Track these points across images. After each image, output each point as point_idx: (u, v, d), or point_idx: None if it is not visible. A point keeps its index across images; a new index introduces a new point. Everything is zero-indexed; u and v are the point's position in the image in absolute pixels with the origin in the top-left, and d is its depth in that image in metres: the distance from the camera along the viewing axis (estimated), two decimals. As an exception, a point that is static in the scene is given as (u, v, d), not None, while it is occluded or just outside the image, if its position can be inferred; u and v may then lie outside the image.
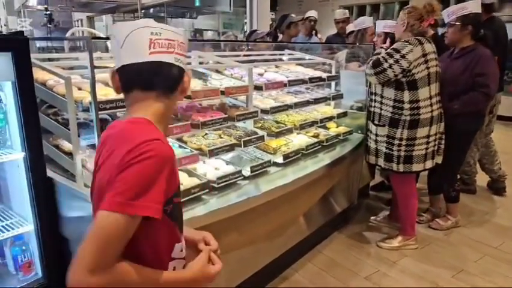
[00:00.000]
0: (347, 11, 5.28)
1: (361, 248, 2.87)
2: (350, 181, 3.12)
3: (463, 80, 2.74)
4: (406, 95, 2.52)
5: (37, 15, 8.67)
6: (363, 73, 3.41)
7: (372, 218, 3.30)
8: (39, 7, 8.10)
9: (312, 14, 5.04)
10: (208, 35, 8.21)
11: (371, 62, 2.52)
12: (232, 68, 2.44)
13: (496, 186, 3.89)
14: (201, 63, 2.40)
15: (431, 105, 2.58)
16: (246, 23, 11.77)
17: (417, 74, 2.47)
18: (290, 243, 2.46)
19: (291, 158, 2.40)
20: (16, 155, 1.47)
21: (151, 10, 10.35)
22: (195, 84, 2.05)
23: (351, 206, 3.24)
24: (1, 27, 11.26)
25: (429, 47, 2.53)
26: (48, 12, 6.08)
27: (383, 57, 2.47)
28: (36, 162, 1.46)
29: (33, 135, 1.43)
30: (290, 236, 2.47)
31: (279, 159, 2.35)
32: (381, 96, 2.65)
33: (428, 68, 2.51)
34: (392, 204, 3.24)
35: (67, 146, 1.68)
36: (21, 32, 1.36)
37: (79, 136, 1.51)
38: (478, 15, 2.76)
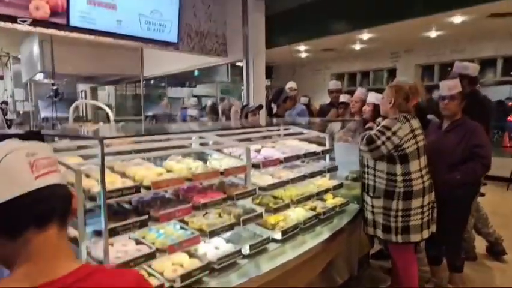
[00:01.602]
0: (339, 82, 5.61)
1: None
2: (349, 252, 3.12)
3: (460, 151, 2.88)
4: (398, 168, 2.64)
5: (43, 87, 9.10)
6: (356, 144, 3.58)
7: (373, 289, 3.25)
8: (46, 81, 8.52)
9: (292, 85, 5.38)
10: (208, 103, 8.67)
11: (364, 139, 2.66)
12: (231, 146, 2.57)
13: (496, 250, 3.87)
14: (201, 144, 2.53)
15: (422, 176, 2.69)
16: (243, 89, 12.36)
17: (407, 149, 2.61)
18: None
19: (290, 234, 2.44)
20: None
21: (152, 81, 10.88)
22: (196, 166, 2.16)
23: (351, 277, 3.20)
24: (7, 98, 11.70)
25: (416, 123, 2.70)
26: (55, 87, 6.40)
27: (375, 134, 2.62)
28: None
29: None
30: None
31: (278, 235, 2.39)
32: (374, 169, 2.77)
33: (417, 142, 2.65)
34: (393, 273, 3.21)
35: (72, 232, 1.73)
36: (38, 132, 1.48)
37: (85, 224, 1.58)
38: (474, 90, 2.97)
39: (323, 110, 5.43)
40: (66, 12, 3.63)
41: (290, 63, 12.11)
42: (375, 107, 3.54)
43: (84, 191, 1.63)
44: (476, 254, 3.85)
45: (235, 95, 12.76)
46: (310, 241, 2.53)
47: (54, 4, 3.52)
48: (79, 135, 1.82)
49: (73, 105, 6.10)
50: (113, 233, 1.58)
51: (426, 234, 2.73)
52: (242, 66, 5.38)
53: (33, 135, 1.47)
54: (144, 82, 10.11)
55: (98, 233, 1.67)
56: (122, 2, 4.05)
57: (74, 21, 3.72)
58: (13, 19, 3.33)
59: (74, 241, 1.70)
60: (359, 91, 4.21)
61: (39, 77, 8.53)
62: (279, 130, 3.37)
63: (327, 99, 9.76)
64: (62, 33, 3.74)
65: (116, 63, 7.71)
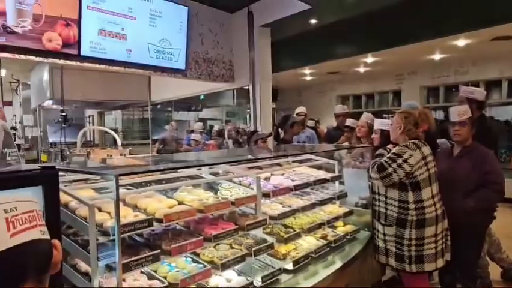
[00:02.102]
0: (345, 106, 5.64)
1: None
2: (361, 280, 3.05)
3: (474, 178, 2.83)
4: (410, 196, 2.61)
5: (52, 112, 9.23)
6: (365, 170, 3.56)
7: (388, 319, 3.16)
8: (55, 106, 8.66)
9: (301, 109, 5.42)
10: (215, 127, 8.79)
11: (375, 167, 2.65)
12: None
13: (510, 275, 3.78)
14: (211, 173, 2.53)
15: (434, 204, 2.66)
16: (248, 112, 12.46)
17: (419, 176, 2.59)
18: None
19: (301, 264, 2.40)
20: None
21: (158, 105, 11.03)
22: (207, 197, 2.15)
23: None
24: (16, 123, 11.86)
25: (427, 150, 2.68)
26: (64, 114, 6.49)
27: (386, 161, 2.61)
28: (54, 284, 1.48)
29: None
30: None
31: (289, 266, 2.35)
32: (386, 197, 2.73)
33: (428, 169, 2.63)
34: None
35: (84, 266, 1.72)
36: (53, 167, 1.49)
37: (98, 259, 1.56)
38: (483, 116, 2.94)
39: (331, 134, 5.43)
40: (77, 43, 3.72)
41: (295, 85, 12.22)
42: (383, 133, 3.53)
43: (96, 225, 1.62)
44: (491, 280, 3.74)
45: (240, 118, 12.86)
46: (322, 271, 2.49)
47: (66, 36, 3.61)
48: (94, 171, 1.83)
49: (81, 132, 6.17)
50: (126, 268, 1.56)
51: (440, 263, 2.67)
52: (248, 89, 5.45)
53: (48, 171, 1.47)
54: (151, 106, 10.27)
55: (110, 268, 1.65)
56: (132, 32, 4.15)
57: (85, 51, 3.81)
58: (27, 51, 3.42)
59: (86, 276, 1.68)
60: (365, 116, 4.22)
61: (48, 103, 8.67)
62: (287, 157, 3.37)
63: (333, 121, 9.77)
64: (73, 63, 3.83)
65: (124, 89, 7.84)
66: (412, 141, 2.70)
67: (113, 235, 1.58)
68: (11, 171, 1.44)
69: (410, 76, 9.81)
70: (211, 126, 11.83)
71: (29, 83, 9.75)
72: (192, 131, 10.21)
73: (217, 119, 13.54)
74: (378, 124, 3.72)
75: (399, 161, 2.58)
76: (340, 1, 4.36)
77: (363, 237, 3.07)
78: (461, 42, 6.65)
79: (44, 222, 0.81)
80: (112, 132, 6.59)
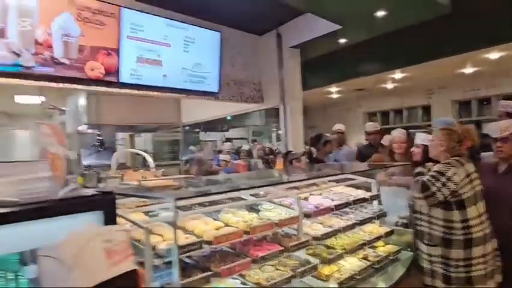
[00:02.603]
0: (377, 123, 5.57)
1: None
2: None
3: None
4: (456, 215, 2.54)
5: (86, 136, 9.60)
6: (403, 188, 3.49)
7: None
8: (90, 131, 9.01)
9: (339, 127, 5.39)
10: (244, 147, 8.96)
11: (418, 186, 2.60)
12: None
13: None
14: (252, 194, 2.55)
15: (481, 223, 2.57)
16: (274, 131, 12.50)
17: (464, 194, 2.52)
18: None
19: (347, 285, 2.36)
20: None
21: (187, 127, 11.28)
22: (251, 218, 2.17)
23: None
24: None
25: (471, 167, 2.62)
26: (100, 138, 6.76)
27: (429, 180, 2.56)
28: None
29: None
30: None
31: (333, 287, 2.32)
32: (429, 216, 2.67)
33: (473, 187, 2.56)
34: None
35: None
36: (110, 192, 1.56)
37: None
38: None
39: (362, 152, 5.38)
40: (117, 71, 3.91)
41: (320, 102, 12.23)
42: (426, 148, 3.45)
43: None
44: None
45: (266, 137, 12.93)
46: (367, 293, 2.44)
47: (107, 64, 3.80)
48: (151, 195, 1.90)
49: (116, 154, 6.38)
50: (180, 290, 1.59)
51: (491, 284, 2.56)
52: (276, 109, 5.51)
53: (107, 196, 1.54)
54: (180, 128, 10.51)
55: (164, 291, 1.69)
56: (167, 58, 4.32)
57: (124, 78, 3.99)
58: (72, 80, 3.62)
59: (139, 298, 1.72)
60: (402, 132, 4.16)
61: (83, 127, 9.02)
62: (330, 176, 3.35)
63: (361, 138, 9.66)
64: (113, 90, 4.01)
65: (156, 112, 8.09)
66: (455, 158, 2.64)
67: (167, 257, 1.62)
68: (77, 196, 1.51)
69: (440, 90, 9.64)
70: (239, 147, 11.96)
71: (64, 108, 10.20)
72: (220, 151, 10.35)
73: (243, 138, 13.66)
74: (421, 139, 3.64)
75: (443, 179, 2.53)
76: (370, 20, 4.39)
77: (405, 258, 2.99)
78: (493, 55, 6.51)
79: (133, 252, 0.81)
80: (146, 155, 6.76)
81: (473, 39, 5.60)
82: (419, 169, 2.85)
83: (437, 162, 2.81)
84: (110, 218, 1.54)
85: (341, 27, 4.52)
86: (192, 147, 9.47)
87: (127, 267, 0.78)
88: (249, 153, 8.12)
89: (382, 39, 5.55)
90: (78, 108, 8.08)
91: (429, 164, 2.89)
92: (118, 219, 1.83)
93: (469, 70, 7.87)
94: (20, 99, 9.58)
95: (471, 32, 5.42)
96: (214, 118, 7.72)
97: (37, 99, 7.94)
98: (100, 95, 6.84)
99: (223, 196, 2.39)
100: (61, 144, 1.64)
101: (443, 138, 2.72)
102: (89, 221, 1.52)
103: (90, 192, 1.60)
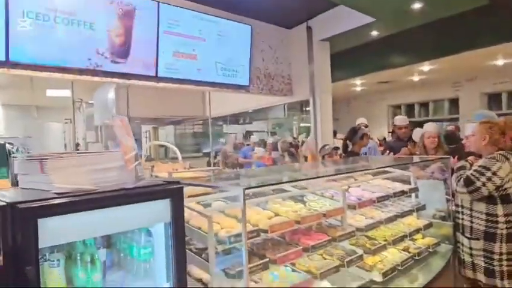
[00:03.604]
0: (406, 117, 5.52)
1: None
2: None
3: None
4: (500, 209, 2.54)
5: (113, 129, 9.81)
6: (438, 181, 3.48)
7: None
8: (117, 124, 9.21)
9: (362, 120, 5.37)
10: (269, 140, 9.06)
11: (462, 180, 2.61)
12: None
13: None
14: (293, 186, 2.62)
15: (525, 217, 2.57)
16: (295, 124, 12.48)
17: (509, 189, 2.52)
18: None
19: (390, 276, 2.40)
20: (162, 285, 1.65)
21: (210, 120, 11.40)
22: (299, 208, 2.24)
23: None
24: (77, 139, 12.68)
25: (515, 161, 2.61)
26: (130, 130, 6.92)
27: (473, 175, 2.56)
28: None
29: (181, 268, 1.62)
30: None
31: (378, 278, 2.36)
32: (471, 210, 2.68)
33: (518, 181, 2.56)
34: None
35: (197, 273, 1.85)
36: (177, 182, 1.65)
37: (215, 267, 1.69)
38: None
39: (392, 146, 5.35)
40: (155, 65, 4.01)
41: (344, 96, 12.15)
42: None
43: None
44: None
45: (286, 130, 12.94)
46: (408, 285, 2.48)
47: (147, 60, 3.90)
48: (221, 186, 1.99)
49: (144, 146, 6.53)
50: (242, 274, 1.68)
51: (534, 278, 2.56)
52: (299, 102, 5.51)
53: (175, 185, 1.63)
54: (202, 121, 10.61)
55: (226, 274, 1.77)
56: (202, 53, 4.40)
57: (161, 73, 4.10)
58: (115, 74, 3.74)
59: (199, 282, 1.82)
60: (434, 127, 4.13)
61: (111, 120, 9.22)
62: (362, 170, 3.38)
63: (383, 131, 9.52)
64: (151, 83, 4.12)
65: (182, 105, 8.19)
66: (499, 152, 2.63)
67: (229, 243, 1.70)
68: (148, 185, 1.61)
69: (468, 83, 9.45)
70: (261, 139, 12.02)
71: (91, 101, 10.45)
72: (242, 144, 10.42)
73: (263, 131, 13.72)
74: (472, 130, 3.59)
75: (488, 174, 2.53)
76: (406, 12, 4.35)
77: (444, 251, 3.01)
78: (527, 45, 6.35)
79: None
80: (174, 147, 6.91)
81: (509, 31, 5.46)
82: (461, 163, 2.85)
83: (479, 157, 2.81)
84: (178, 206, 1.64)
85: (374, 19, 4.49)
86: (222, 140, 9.58)
87: None
88: (274, 146, 8.19)
89: (414, 31, 5.47)
90: (107, 101, 8.28)
91: (471, 158, 2.88)
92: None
93: (500, 62, 7.69)
94: (51, 92, 9.85)
95: (507, 22, 5.29)
96: (241, 111, 7.79)
97: (67, 93, 8.16)
98: (130, 88, 6.98)
99: (270, 187, 2.46)
100: (130, 136, 1.74)
101: (485, 132, 2.70)
102: (159, 209, 1.62)
103: (159, 181, 1.69)
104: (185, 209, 1.91)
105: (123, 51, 3.74)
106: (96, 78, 3.67)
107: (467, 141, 3.36)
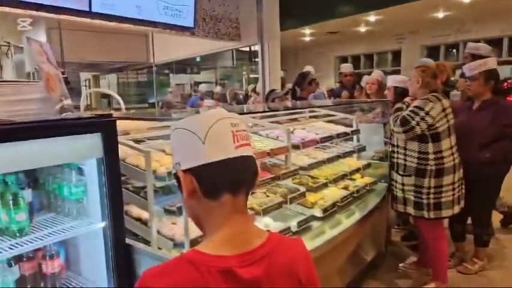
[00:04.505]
0: (351, 65, 5.60)
1: (396, 297, 2.91)
2: (379, 229, 3.22)
3: (492, 131, 2.95)
4: (430, 147, 2.71)
5: (47, 77, 9.01)
6: (378, 124, 3.64)
7: (400, 264, 3.35)
8: (51, 70, 8.45)
9: (309, 68, 5.41)
10: (216, 90, 8.78)
11: (398, 121, 2.71)
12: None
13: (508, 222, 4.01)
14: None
15: (452, 154, 2.76)
16: (244, 74, 12.29)
17: (439, 128, 2.67)
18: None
19: (329, 212, 2.52)
20: (98, 224, 1.57)
21: (155, 68, 10.85)
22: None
23: (379, 253, 3.31)
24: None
25: (446, 102, 2.75)
26: (65, 76, 6.37)
27: (408, 115, 2.67)
28: (118, 231, 1.56)
29: (117, 206, 1.55)
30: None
31: (318, 213, 2.47)
32: (405, 149, 2.83)
33: (448, 121, 2.72)
34: (420, 249, 3.32)
35: (135, 211, 1.79)
36: (110, 114, 1.52)
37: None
38: (497, 71, 3.03)
39: (336, 93, 5.47)
40: (88, -1, 3.61)
41: (292, 47, 12.06)
42: (396, 90, 3.59)
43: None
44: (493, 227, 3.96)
45: (235, 81, 12.73)
46: (346, 220, 2.63)
47: (77, -9, 3.50)
48: (159, 118, 1.87)
49: (84, 94, 6.10)
50: (179, 212, 1.64)
51: (457, 209, 2.82)
52: (247, 51, 5.38)
53: (106, 118, 1.51)
54: (146, 69, 10.05)
55: (163, 212, 1.73)
56: (141, -13, 4.02)
57: (95, 7, 3.71)
58: (39, 6, 3.31)
59: (138, 221, 1.77)
60: (376, 74, 4.25)
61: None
62: (304, 113, 3.42)
63: (331, 83, 9.71)
64: (86, 20, 3.73)
65: (123, 50, 7.65)
66: (432, 94, 2.76)
67: (168, 180, 1.65)
68: (74, 118, 1.47)
69: (410, 35, 9.76)
70: (207, 90, 11.74)
71: (21, 45, 9.42)
72: (190, 95, 10.08)
73: (211, 82, 13.39)
74: (392, 81, 3.76)
75: (422, 113, 2.65)
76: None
77: (380, 189, 3.21)
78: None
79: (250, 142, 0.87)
80: (116, 96, 6.51)
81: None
82: (398, 105, 2.97)
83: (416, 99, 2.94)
84: (110, 141, 1.53)
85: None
86: (170, 89, 9.17)
87: (248, 152, 0.84)
88: (223, 97, 8.04)
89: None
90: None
91: (407, 99, 3.00)
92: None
93: (440, 14, 7.96)
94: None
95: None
96: (186, 57, 7.44)
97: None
98: (63, 30, 6.34)
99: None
100: (52, 63, 1.55)
101: (418, 75, 2.82)
102: (88, 144, 1.50)
103: (89, 115, 1.55)
104: (122, 147, 1.80)
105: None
106: (19, 11, 3.23)
107: (388, 92, 3.59)
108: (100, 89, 9.21)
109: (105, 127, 1.51)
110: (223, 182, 0.81)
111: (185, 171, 0.82)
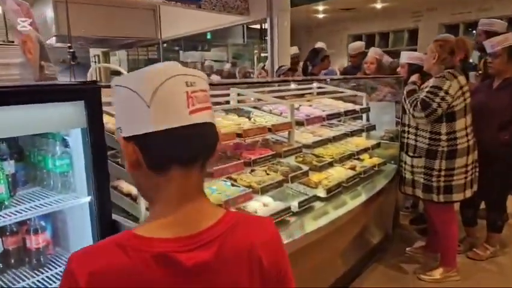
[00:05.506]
0: (362, 45, 5.33)
1: (401, 280, 2.81)
2: (386, 211, 3.10)
3: (511, 111, 2.76)
4: (443, 127, 2.54)
5: (55, 52, 8.94)
6: (389, 103, 3.47)
7: (408, 248, 3.23)
8: (59, 45, 8.36)
9: (321, 45, 5.18)
10: (226, 68, 8.59)
11: (418, 104, 2.52)
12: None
13: None
14: (239, 101, 2.45)
15: (466, 135, 2.60)
16: (256, 53, 12.04)
17: (456, 107, 2.50)
18: (329, 280, 2.42)
19: (334, 192, 2.40)
20: (83, 199, 1.49)
21: (164, 45, 10.69)
22: (243, 122, 2.09)
23: (386, 236, 3.21)
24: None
25: (463, 80, 2.57)
26: (72, 50, 6.26)
27: (427, 97, 2.49)
28: (103, 206, 1.47)
29: (102, 180, 1.45)
30: (328, 272, 2.43)
31: (322, 193, 2.36)
32: (416, 128, 2.67)
33: (465, 100, 2.54)
34: (429, 233, 3.19)
35: (125, 187, 1.71)
36: (95, 81, 1.41)
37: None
38: None
39: (348, 72, 5.26)
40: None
41: (305, 24, 11.70)
42: (411, 67, 3.38)
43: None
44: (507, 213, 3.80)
45: (247, 60, 12.49)
46: (352, 201, 2.51)
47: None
48: None
49: (91, 69, 6.02)
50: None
51: (468, 193, 2.67)
52: (259, 29, 5.17)
53: (90, 85, 1.40)
54: (156, 46, 9.87)
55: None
56: (144, -45, 3.85)
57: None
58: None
59: (128, 196, 1.68)
60: (374, 52, 4.05)
61: (52, 41, 8.38)
62: (311, 89, 3.27)
63: (345, 62, 9.44)
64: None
65: (131, 25, 7.52)
66: (448, 70, 2.57)
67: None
68: (53, 84, 1.36)
69: (428, 13, 9.33)
70: (218, 69, 11.55)
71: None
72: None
73: (223, 60, 13.17)
74: (406, 57, 3.55)
75: (441, 93, 2.47)
76: None
77: (389, 170, 3.07)
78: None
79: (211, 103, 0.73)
80: (123, 71, 6.41)
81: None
82: (410, 87, 2.77)
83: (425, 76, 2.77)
84: (94, 110, 1.42)
85: None
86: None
87: (206, 118, 0.69)
88: (232, 75, 7.87)
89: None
90: (46, 19, 7.39)
91: (414, 77, 2.81)
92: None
93: (462, -10, 7.56)
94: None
95: None
96: (195, 32, 7.25)
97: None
98: (70, 4, 6.20)
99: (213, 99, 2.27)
100: (32, 25, 1.44)
101: (436, 50, 2.62)
102: (70, 113, 1.40)
103: (72, 82, 1.45)
104: (112, 119, 1.70)
105: None
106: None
107: (401, 69, 3.37)
108: (107, 64, 9.11)
109: (89, 95, 1.40)
110: (172, 154, 0.67)
111: (127, 138, 0.68)
